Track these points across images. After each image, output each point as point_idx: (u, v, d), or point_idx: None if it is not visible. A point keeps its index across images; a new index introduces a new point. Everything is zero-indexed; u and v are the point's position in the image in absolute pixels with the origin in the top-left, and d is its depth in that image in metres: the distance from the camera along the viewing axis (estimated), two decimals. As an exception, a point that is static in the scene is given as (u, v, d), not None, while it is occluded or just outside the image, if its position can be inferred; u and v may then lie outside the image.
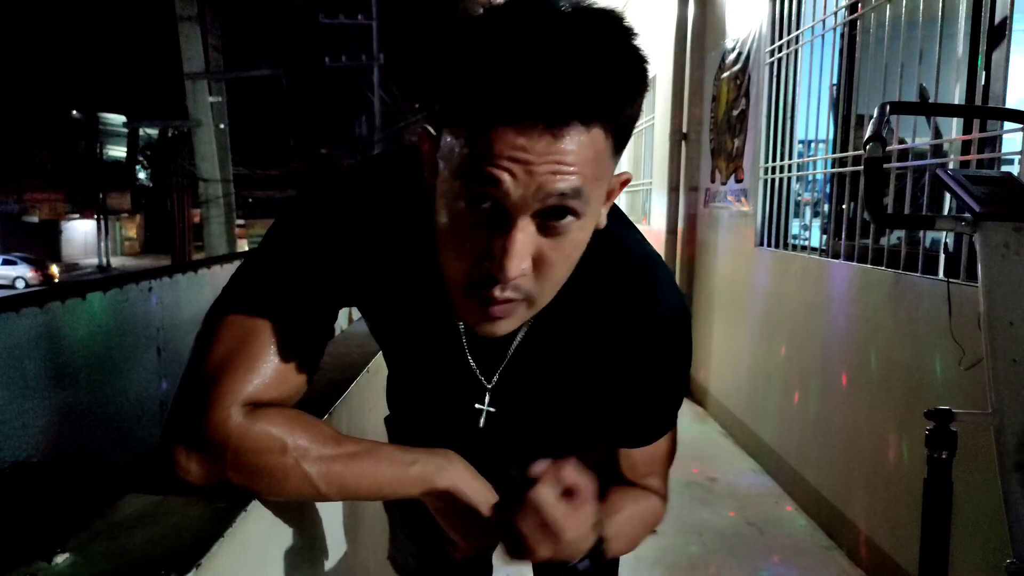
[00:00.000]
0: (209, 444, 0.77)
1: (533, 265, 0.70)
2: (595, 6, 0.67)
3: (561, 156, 0.64)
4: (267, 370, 0.80)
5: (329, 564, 1.23)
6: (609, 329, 0.88)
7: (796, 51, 3.60)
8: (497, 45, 0.65)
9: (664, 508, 1.05)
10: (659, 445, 0.96)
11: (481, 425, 0.97)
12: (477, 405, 0.95)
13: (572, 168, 0.65)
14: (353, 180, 0.89)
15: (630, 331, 0.87)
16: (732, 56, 4.41)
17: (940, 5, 2.43)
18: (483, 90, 0.64)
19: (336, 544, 1.28)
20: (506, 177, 0.64)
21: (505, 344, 0.90)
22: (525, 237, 0.67)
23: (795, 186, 3.77)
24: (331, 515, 1.24)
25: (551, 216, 0.68)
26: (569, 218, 0.68)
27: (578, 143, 0.65)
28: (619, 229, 0.88)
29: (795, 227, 3.82)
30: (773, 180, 3.83)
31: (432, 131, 0.73)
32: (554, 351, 0.90)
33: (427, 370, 0.99)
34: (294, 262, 0.83)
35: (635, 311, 0.87)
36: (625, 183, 0.78)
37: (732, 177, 4.38)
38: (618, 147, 0.71)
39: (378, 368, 1.57)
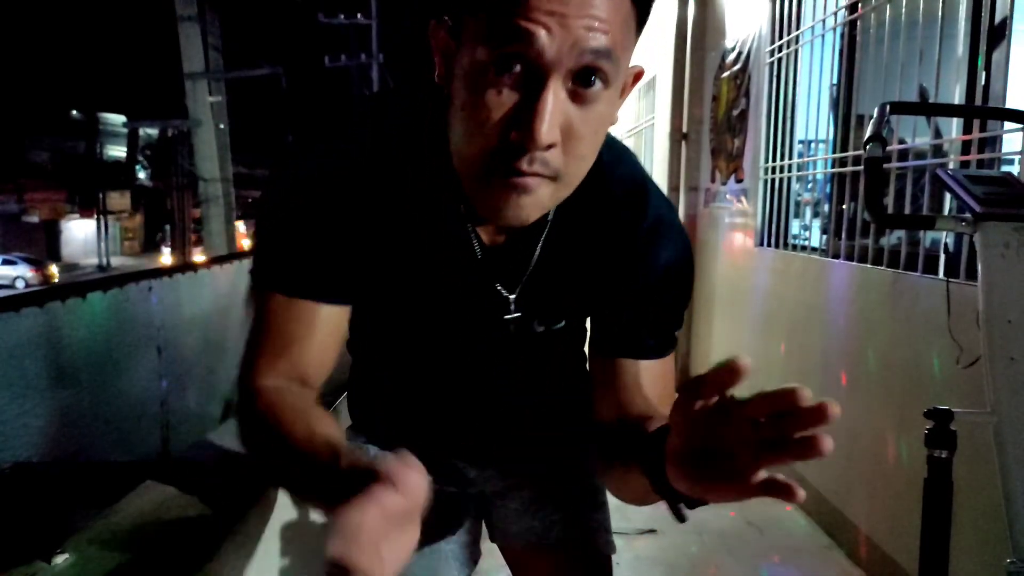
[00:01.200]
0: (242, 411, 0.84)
1: (561, 138, 0.69)
2: None
3: (596, 11, 0.65)
4: (285, 346, 0.83)
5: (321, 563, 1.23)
6: (611, 237, 0.90)
7: (796, 51, 3.60)
8: None
9: None
10: (668, 366, 0.96)
11: (512, 330, 0.93)
12: (506, 316, 0.92)
13: (605, 26, 0.66)
14: (343, 122, 0.87)
15: (628, 239, 0.90)
16: (732, 56, 4.41)
17: (940, 5, 2.43)
18: None
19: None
20: (541, 32, 0.64)
21: (526, 254, 0.89)
22: (556, 101, 0.67)
23: (795, 186, 3.77)
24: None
25: (582, 80, 0.68)
26: (599, 85, 0.68)
27: (610, 1, 0.66)
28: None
29: (795, 227, 3.82)
30: (773, 180, 3.83)
31: (449, 20, 0.73)
32: (572, 259, 0.90)
33: (441, 298, 0.92)
34: (296, 221, 0.82)
35: (632, 221, 0.90)
36: (638, 77, 0.78)
37: (732, 177, 4.38)
38: (638, 28, 0.72)
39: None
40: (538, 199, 0.72)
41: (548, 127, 0.66)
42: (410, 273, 0.89)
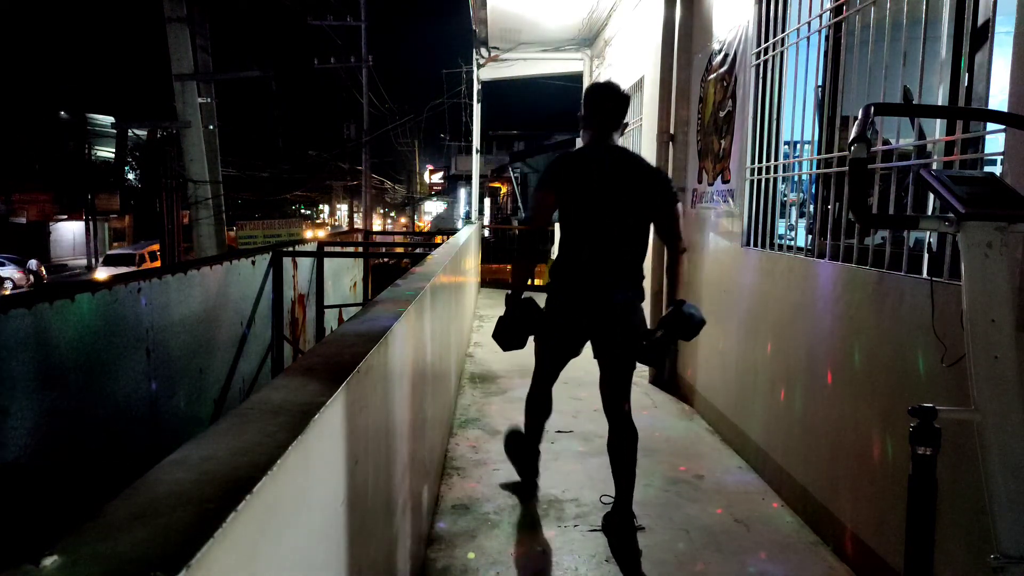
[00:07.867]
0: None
1: None
2: None
3: None
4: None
5: (319, 565, 1.24)
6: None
7: (782, 53, 3.63)
8: None
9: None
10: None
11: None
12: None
13: None
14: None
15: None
16: (719, 58, 4.44)
17: (924, 7, 2.45)
18: None
19: (326, 545, 1.28)
20: None
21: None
22: None
23: (781, 187, 3.80)
24: (321, 516, 1.25)
25: None
26: None
27: None
28: None
29: (781, 227, 3.85)
30: (759, 181, 3.86)
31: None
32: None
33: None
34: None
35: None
36: None
37: (719, 178, 4.40)
38: None
39: (368, 369, 1.57)
40: None
41: None
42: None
